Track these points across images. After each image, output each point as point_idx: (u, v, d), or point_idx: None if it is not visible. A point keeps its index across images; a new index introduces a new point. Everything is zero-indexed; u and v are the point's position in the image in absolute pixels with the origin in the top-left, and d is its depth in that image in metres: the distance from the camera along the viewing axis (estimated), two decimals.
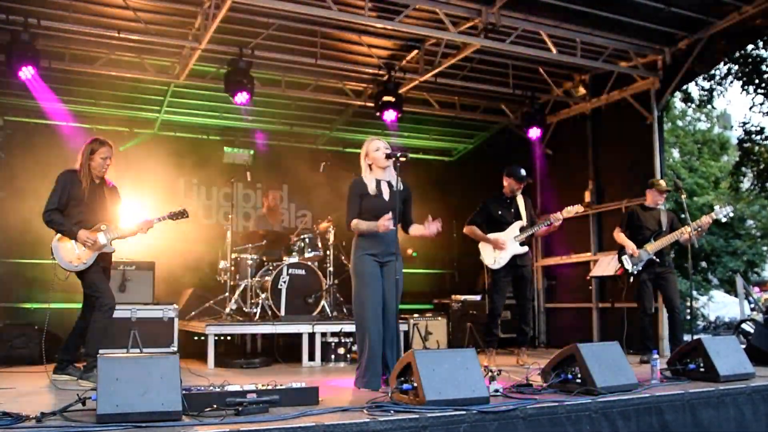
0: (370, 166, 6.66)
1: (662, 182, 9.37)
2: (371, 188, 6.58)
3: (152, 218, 7.31)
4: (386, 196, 6.61)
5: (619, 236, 9.24)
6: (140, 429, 4.16)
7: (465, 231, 9.26)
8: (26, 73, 9.08)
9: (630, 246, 9.04)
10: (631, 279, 9.15)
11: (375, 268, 6.53)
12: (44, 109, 11.24)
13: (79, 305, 7.37)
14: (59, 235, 6.96)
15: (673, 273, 9.30)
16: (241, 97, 10.15)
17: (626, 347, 9.52)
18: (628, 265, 9.09)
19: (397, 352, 6.61)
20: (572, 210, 8.92)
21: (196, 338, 9.90)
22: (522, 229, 8.99)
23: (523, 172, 9.06)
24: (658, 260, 9.02)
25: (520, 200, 9.17)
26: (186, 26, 9.66)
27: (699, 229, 8.81)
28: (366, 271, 6.50)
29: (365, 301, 6.48)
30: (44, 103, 10.75)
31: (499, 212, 9.08)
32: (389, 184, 6.67)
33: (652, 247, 8.98)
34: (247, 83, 10.05)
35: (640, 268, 9.05)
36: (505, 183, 9.13)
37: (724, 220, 8.92)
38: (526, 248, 9.00)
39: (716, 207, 9.14)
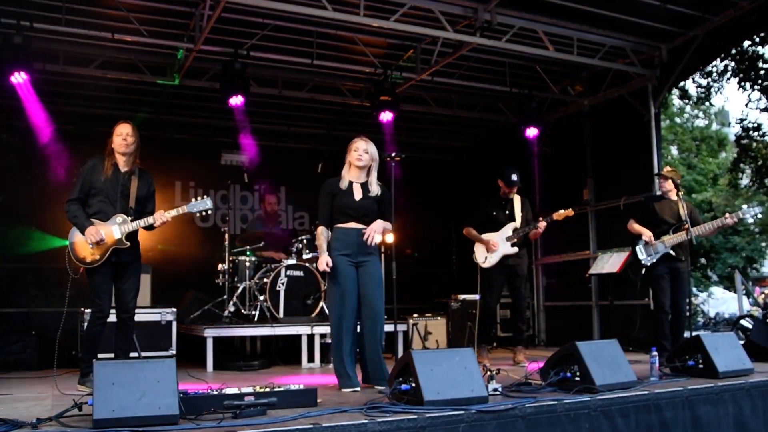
0: (349, 163, 6.67)
1: (664, 170, 9.04)
2: (343, 185, 6.59)
3: (168, 211, 6.89)
4: (357, 196, 6.58)
5: (634, 225, 8.76)
6: None
7: (464, 232, 9.39)
8: (18, 78, 9.02)
9: (647, 234, 8.52)
10: (643, 271, 8.68)
11: (348, 268, 6.49)
12: (40, 112, 11.25)
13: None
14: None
15: (688, 272, 8.74)
16: (236, 101, 10.12)
17: (628, 345, 9.52)
18: (642, 255, 8.56)
19: (381, 353, 6.60)
20: (563, 213, 9.00)
21: (195, 341, 9.88)
22: (515, 231, 9.05)
23: (513, 177, 9.10)
24: (674, 254, 8.47)
25: (517, 201, 9.25)
26: (181, 27, 9.64)
27: (722, 225, 8.48)
28: (336, 273, 6.46)
29: (336, 301, 6.49)
30: (39, 106, 10.70)
31: (494, 213, 9.21)
32: (363, 186, 6.65)
33: (670, 239, 8.44)
34: (242, 85, 10.01)
35: (654, 261, 8.52)
36: (499, 184, 9.21)
37: (751, 220, 8.62)
38: (516, 249, 9.06)
39: (744, 206, 8.76)
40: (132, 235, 6.86)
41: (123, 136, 6.80)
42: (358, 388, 6.28)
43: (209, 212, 7.19)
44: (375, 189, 6.66)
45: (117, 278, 6.87)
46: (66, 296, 7.01)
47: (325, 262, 6.42)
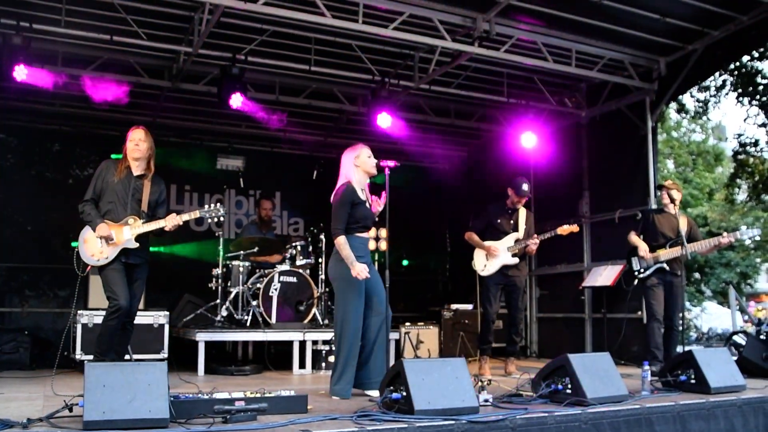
0: (357, 167, 6.60)
1: (666, 182, 9.06)
2: (361, 196, 6.53)
3: (181, 215, 6.91)
4: (367, 205, 6.59)
5: (632, 237, 8.86)
6: None
7: (465, 236, 9.32)
8: (20, 73, 8.99)
9: (643, 248, 8.65)
10: (635, 282, 8.77)
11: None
12: (36, 113, 11.27)
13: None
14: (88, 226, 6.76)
15: (682, 287, 8.82)
16: (236, 100, 10.05)
17: (620, 359, 9.50)
18: (636, 266, 8.71)
19: (386, 360, 6.57)
20: (567, 228, 9.00)
21: (187, 345, 9.86)
22: (517, 242, 9.02)
23: (524, 187, 9.04)
24: (668, 268, 8.59)
25: (522, 213, 9.22)
26: (179, 31, 9.63)
27: (718, 245, 8.53)
28: (358, 280, 6.39)
29: (352, 307, 6.42)
30: (37, 107, 10.69)
31: (498, 221, 9.14)
32: (365, 194, 6.64)
33: (666, 253, 8.55)
34: (240, 88, 9.99)
35: (648, 273, 8.63)
36: (509, 193, 9.16)
37: (748, 242, 8.62)
38: (516, 260, 9.01)
39: (742, 227, 8.78)
40: (142, 238, 6.83)
41: (135, 141, 6.85)
42: (350, 397, 6.27)
43: (222, 219, 7.15)
44: (378, 198, 6.67)
45: (127, 279, 6.80)
46: (74, 295, 7.00)
47: (363, 269, 6.30)
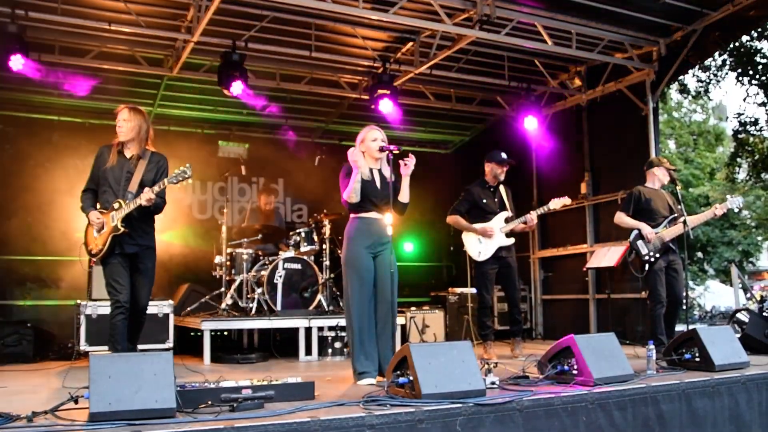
0: (363, 153, 6.56)
1: (665, 161, 8.86)
2: (365, 174, 6.48)
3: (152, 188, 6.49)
4: (378, 184, 6.50)
5: (628, 220, 8.49)
6: (133, 427, 4.12)
7: (448, 220, 9.14)
8: (16, 63, 8.93)
9: (648, 230, 8.31)
10: (647, 267, 8.34)
11: (367, 260, 6.43)
12: (35, 103, 11.19)
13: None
14: None
15: (684, 262, 8.56)
16: (237, 88, 9.99)
17: (625, 339, 9.49)
18: (644, 250, 8.32)
19: (392, 346, 6.53)
20: (559, 202, 8.89)
21: (192, 334, 9.87)
22: (507, 220, 8.90)
23: (503, 154, 8.97)
24: (673, 248, 8.39)
25: (503, 190, 9.10)
26: (179, 18, 9.59)
27: (712, 216, 8.49)
28: (357, 264, 6.39)
29: (352, 293, 6.40)
30: (36, 97, 10.62)
31: (484, 200, 8.97)
32: (380, 173, 6.58)
33: (669, 232, 8.31)
34: (241, 75, 9.94)
35: (658, 255, 8.31)
36: (486, 169, 9.06)
37: (737, 210, 8.71)
38: (512, 240, 8.91)
39: (729, 197, 8.79)
40: (139, 224, 6.60)
41: (119, 122, 6.63)
42: (374, 381, 6.21)
43: (189, 179, 6.70)
44: (390, 174, 6.54)
45: (131, 271, 6.63)
46: (76, 287, 6.94)
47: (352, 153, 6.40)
